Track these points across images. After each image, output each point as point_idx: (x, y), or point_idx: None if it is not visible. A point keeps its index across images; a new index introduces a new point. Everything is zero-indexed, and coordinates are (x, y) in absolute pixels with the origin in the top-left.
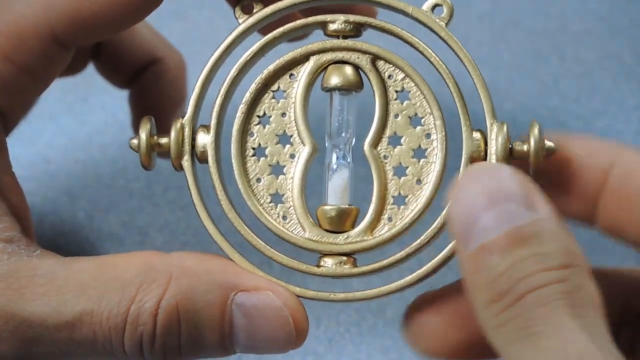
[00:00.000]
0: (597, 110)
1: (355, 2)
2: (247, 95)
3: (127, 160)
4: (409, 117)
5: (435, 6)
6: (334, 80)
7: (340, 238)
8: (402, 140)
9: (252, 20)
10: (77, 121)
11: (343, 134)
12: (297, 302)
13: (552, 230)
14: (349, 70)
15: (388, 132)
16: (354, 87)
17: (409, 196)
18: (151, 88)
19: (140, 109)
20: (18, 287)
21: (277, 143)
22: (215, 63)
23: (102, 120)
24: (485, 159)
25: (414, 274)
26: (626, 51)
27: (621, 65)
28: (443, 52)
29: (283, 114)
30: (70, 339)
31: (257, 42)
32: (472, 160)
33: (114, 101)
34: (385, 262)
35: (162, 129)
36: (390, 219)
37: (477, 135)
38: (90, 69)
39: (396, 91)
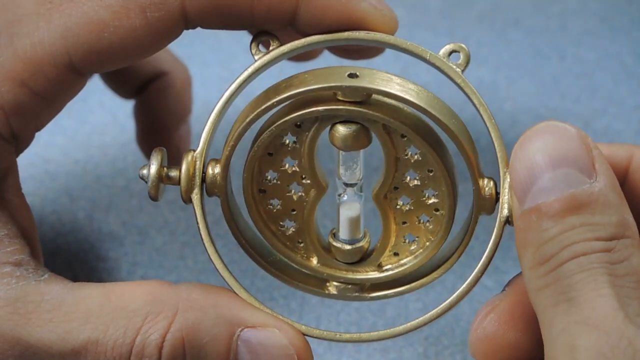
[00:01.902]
0: (597, 110)
1: (372, 44)
2: (257, 144)
3: (127, 161)
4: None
5: (452, 52)
6: (340, 144)
7: (350, 268)
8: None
9: (267, 57)
10: (77, 121)
11: (351, 179)
12: (303, 341)
13: (608, 200)
14: (355, 131)
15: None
16: (360, 147)
17: (419, 236)
18: (156, 101)
19: (145, 121)
20: (25, 312)
21: (288, 185)
22: (229, 98)
23: (102, 120)
24: (494, 207)
25: (421, 318)
26: (626, 51)
27: (621, 65)
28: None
29: (293, 158)
30: None
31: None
32: (481, 208)
33: (114, 101)
34: (390, 292)
35: (165, 143)
36: (396, 254)
37: (489, 183)
38: None
39: (405, 152)
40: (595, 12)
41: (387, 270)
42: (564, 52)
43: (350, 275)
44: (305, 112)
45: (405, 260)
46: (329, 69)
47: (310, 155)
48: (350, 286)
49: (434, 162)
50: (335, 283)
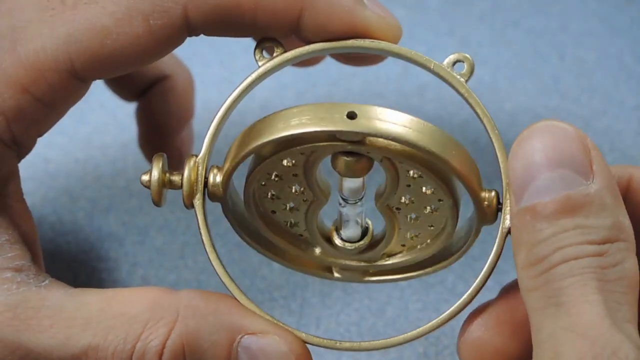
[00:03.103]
0: (597, 110)
1: (375, 52)
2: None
3: (127, 161)
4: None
5: (456, 62)
6: (342, 172)
7: (354, 254)
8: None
9: (271, 64)
10: (77, 121)
11: (353, 199)
12: (303, 348)
13: (604, 202)
14: (357, 161)
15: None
16: (362, 174)
17: (421, 233)
18: (158, 104)
19: (147, 124)
20: (25, 318)
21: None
22: (232, 103)
23: (102, 120)
24: (496, 218)
25: (420, 329)
26: (626, 51)
27: (621, 65)
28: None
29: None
30: None
31: None
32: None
33: (114, 101)
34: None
35: (168, 147)
36: (403, 245)
37: (490, 194)
38: None
39: (407, 172)
40: (595, 12)
41: (391, 259)
42: (564, 52)
43: (355, 263)
44: (304, 147)
45: (408, 253)
46: (327, 106)
47: (309, 179)
48: (353, 270)
49: (440, 191)
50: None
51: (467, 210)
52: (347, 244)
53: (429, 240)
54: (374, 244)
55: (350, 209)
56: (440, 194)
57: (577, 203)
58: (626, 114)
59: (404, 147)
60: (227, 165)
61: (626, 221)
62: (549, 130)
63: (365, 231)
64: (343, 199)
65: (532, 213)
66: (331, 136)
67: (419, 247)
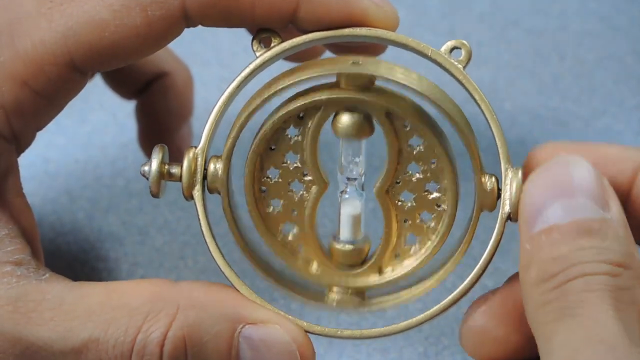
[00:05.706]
0: (597, 110)
1: (373, 41)
2: (259, 137)
3: (127, 161)
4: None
5: (453, 48)
6: (343, 132)
7: (350, 273)
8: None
9: (269, 54)
10: (77, 121)
11: (353, 172)
12: (304, 337)
13: (619, 232)
14: (359, 120)
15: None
16: (363, 136)
17: (421, 236)
18: (157, 102)
19: (146, 122)
20: (26, 311)
21: (289, 182)
22: (231, 95)
23: (102, 120)
24: (496, 203)
25: (422, 315)
26: (626, 51)
27: (621, 65)
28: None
29: (295, 152)
30: None
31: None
32: (482, 204)
33: (114, 101)
34: (393, 301)
35: (167, 143)
36: (397, 256)
37: (491, 179)
38: None
39: (408, 143)
40: (595, 12)
41: (387, 272)
42: (564, 52)
43: (351, 281)
44: (308, 102)
45: (406, 262)
46: (331, 59)
47: (312, 147)
48: (350, 294)
49: (437, 151)
50: (335, 288)
51: (466, 209)
52: (346, 245)
53: (428, 242)
54: (371, 256)
55: (351, 196)
56: (441, 168)
57: (594, 227)
58: (626, 114)
59: (406, 103)
60: (227, 143)
61: (637, 254)
62: (568, 162)
63: (364, 239)
64: (345, 180)
65: (547, 234)
66: (334, 86)
67: (415, 254)
